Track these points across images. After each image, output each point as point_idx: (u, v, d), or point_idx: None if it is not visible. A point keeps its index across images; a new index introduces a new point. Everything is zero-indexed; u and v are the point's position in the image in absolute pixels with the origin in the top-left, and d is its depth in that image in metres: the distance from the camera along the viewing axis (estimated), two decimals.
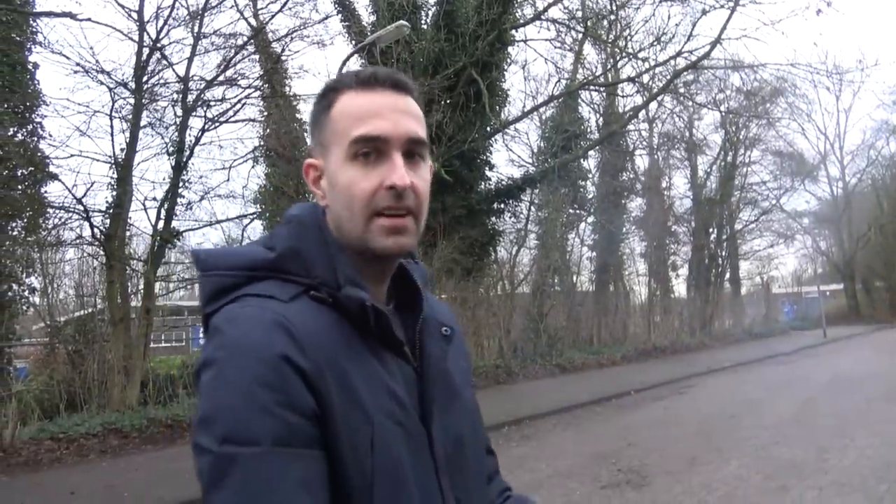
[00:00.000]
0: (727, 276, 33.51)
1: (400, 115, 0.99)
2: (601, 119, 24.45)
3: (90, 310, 13.12)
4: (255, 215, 16.00)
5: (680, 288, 30.28)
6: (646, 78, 17.90)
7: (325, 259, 0.98)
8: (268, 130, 16.32)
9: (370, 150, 0.97)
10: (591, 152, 22.53)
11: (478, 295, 17.69)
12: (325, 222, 1.02)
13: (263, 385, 0.83)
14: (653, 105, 22.77)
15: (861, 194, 43.46)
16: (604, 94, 22.98)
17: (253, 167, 16.26)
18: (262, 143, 16.21)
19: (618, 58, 19.57)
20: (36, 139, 11.84)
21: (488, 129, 16.74)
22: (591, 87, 20.91)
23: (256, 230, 17.35)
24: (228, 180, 17.57)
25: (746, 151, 30.98)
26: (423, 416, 0.99)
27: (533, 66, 33.37)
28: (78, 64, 11.58)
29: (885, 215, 40.96)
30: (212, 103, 13.12)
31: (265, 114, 16.16)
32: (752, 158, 31.73)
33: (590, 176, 24.09)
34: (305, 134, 17.59)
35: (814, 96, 36.01)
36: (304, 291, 0.96)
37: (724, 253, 32.55)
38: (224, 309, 0.92)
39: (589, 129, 23.05)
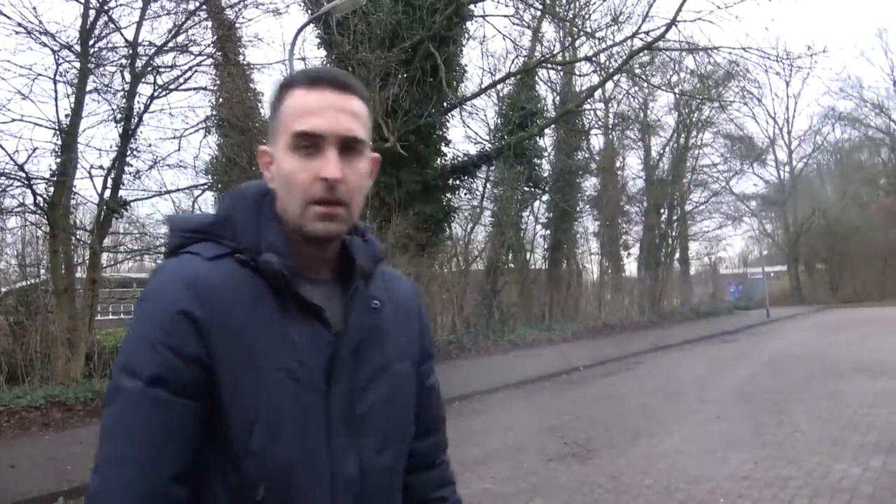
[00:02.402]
0: (677, 255, 34.24)
1: (338, 113, 1.09)
2: (558, 98, 24.57)
3: (33, 280, 12.77)
4: (206, 186, 15.68)
5: (631, 267, 30.83)
6: (602, 58, 18.02)
7: (254, 227, 1.11)
8: (220, 100, 15.94)
9: (308, 144, 1.08)
10: (547, 131, 22.64)
11: (432, 271, 17.73)
12: (270, 199, 1.14)
13: (157, 328, 1.00)
14: (609, 85, 22.93)
15: (807, 179, 44.73)
16: (561, 72, 23.05)
17: (205, 137, 15.87)
18: (214, 112, 15.85)
19: (575, 37, 19.64)
20: None
21: (445, 104, 16.68)
22: (549, 66, 20.96)
23: (208, 201, 17.03)
24: (179, 150, 17.16)
25: (699, 134, 31.57)
26: (328, 376, 1.08)
27: (491, 42, 33.39)
28: (20, 24, 11.13)
29: (828, 200, 42.25)
30: (162, 70, 12.76)
31: (218, 83, 15.78)
32: (704, 141, 32.37)
33: (545, 154, 24.23)
34: (259, 104, 17.28)
35: (765, 81, 36.67)
36: (230, 253, 1.09)
37: (674, 233, 33.24)
38: (159, 263, 1.10)
39: (545, 108, 23.12)
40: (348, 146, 1.09)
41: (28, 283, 12.82)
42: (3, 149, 11.12)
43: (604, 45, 17.31)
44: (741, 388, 10.56)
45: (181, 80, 13.16)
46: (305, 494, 1.04)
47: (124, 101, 12.20)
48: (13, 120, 11.32)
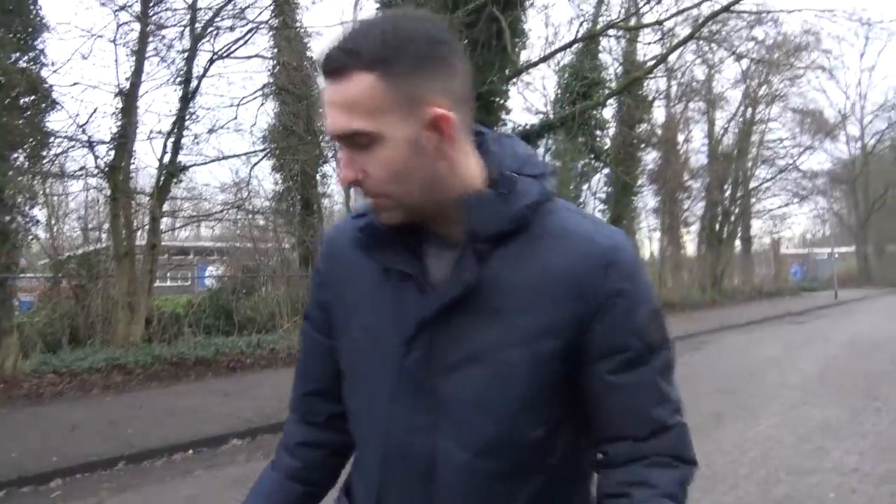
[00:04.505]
0: (739, 234, 33.00)
1: (330, 110, 0.93)
2: (620, 68, 23.67)
3: (95, 245, 12.83)
4: (263, 153, 15.50)
5: (690, 244, 29.88)
6: (671, 23, 17.15)
7: None
8: (277, 67, 15.68)
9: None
10: (609, 101, 21.83)
11: None
12: None
13: (312, 279, 1.19)
14: (672, 56, 21.93)
15: (879, 156, 42.63)
16: (624, 42, 22.14)
17: (262, 105, 15.65)
18: (271, 80, 15.61)
19: (641, 3, 18.75)
20: (38, 66, 11.30)
21: (507, 71, 16.10)
22: (615, 32, 20.06)
23: (265, 169, 16.89)
24: (236, 118, 16.97)
25: (766, 108, 30.16)
26: (408, 343, 0.99)
27: (552, 11, 32.24)
28: None
29: None
30: (221, 31, 12.52)
31: (275, 49, 15.53)
32: (772, 115, 30.94)
33: (607, 126, 23.42)
34: (316, 72, 16.96)
35: (838, 52, 34.95)
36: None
37: (736, 210, 31.98)
38: None
39: (608, 78, 22.32)
40: (356, 141, 0.92)
41: (90, 248, 12.88)
42: (67, 110, 11.08)
43: (674, 10, 16.45)
44: (824, 372, 9.92)
45: (240, 42, 12.94)
46: (365, 452, 1.07)
47: (184, 63, 12.03)
48: (75, 83, 11.29)
